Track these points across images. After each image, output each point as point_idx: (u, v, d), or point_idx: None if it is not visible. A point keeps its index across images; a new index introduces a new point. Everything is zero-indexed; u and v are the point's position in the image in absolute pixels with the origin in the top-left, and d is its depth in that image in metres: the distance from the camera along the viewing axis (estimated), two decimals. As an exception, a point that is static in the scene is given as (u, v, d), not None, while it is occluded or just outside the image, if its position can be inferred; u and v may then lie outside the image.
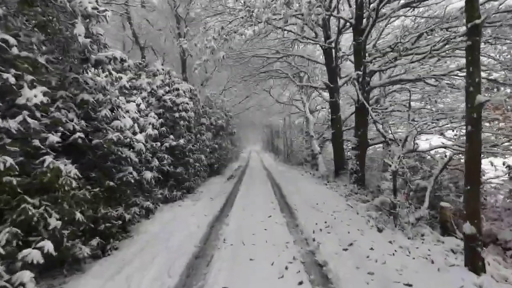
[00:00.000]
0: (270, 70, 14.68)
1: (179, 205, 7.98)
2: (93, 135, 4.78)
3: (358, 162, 9.14)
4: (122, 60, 9.73)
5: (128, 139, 5.67)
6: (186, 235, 5.55)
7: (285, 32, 13.10)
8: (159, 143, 8.11)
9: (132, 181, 5.54)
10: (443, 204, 6.47)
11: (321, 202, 8.47)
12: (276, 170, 19.59)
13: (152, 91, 8.70)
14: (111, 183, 4.97)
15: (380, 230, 6.07)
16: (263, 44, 13.99)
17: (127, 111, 5.73)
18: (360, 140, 9.15)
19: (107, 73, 5.32)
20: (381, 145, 18.23)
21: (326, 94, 13.87)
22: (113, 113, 5.48)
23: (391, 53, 7.08)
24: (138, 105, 6.82)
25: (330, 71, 12.28)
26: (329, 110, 16.01)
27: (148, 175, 6.30)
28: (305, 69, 14.94)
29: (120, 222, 5.00)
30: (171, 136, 8.41)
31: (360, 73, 8.76)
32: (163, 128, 8.46)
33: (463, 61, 9.80)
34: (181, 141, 8.40)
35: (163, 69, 9.96)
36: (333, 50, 11.96)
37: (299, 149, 27.15)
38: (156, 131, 7.22)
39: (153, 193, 7.42)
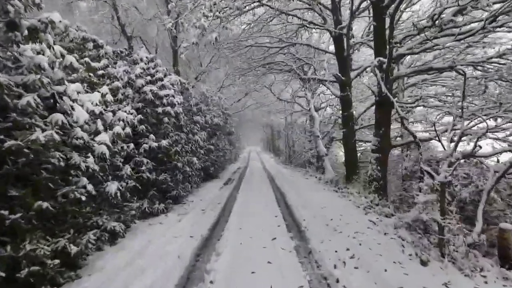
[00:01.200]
0: (272, 62, 13.11)
1: (160, 222, 6.40)
2: (9, 134, 3.20)
3: (379, 168, 7.56)
4: (98, 46, 8.17)
5: (81, 140, 4.10)
6: (159, 274, 3.97)
7: (289, 17, 11.52)
8: (134, 145, 6.53)
9: (84, 197, 3.96)
10: (503, 225, 4.90)
11: (336, 217, 6.90)
12: (278, 173, 18.02)
13: (130, 81, 7.12)
14: (46, 204, 3.40)
15: (424, 263, 4.50)
16: (263, 32, 12.41)
17: (77, 102, 4.15)
18: (382, 141, 7.57)
19: (44, 45, 3.74)
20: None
21: (335, 89, 12.31)
22: (58, 105, 3.92)
23: (431, 28, 5.53)
24: (103, 95, 5.24)
25: (341, 61, 10.71)
26: (337, 107, 14.44)
27: (112, 187, 4.72)
28: (311, 62, 13.37)
29: (57, 261, 3.42)
30: (152, 136, 6.83)
31: (383, 59, 7.18)
32: (142, 126, 6.88)
33: (504, 47, 8.24)
34: (165, 141, 6.83)
35: (147, 57, 8.39)
36: (345, 38, 10.39)
37: (303, 150, 25.58)
38: (129, 129, 5.64)
39: (126, 208, 5.85)
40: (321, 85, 18.35)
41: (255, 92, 25.21)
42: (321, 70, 14.02)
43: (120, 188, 5.04)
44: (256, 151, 55.21)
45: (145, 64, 8.06)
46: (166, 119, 7.46)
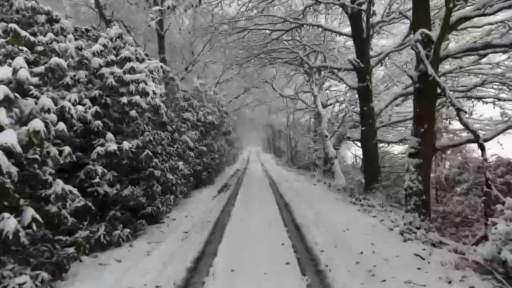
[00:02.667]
0: (274, 49, 11.19)
1: (118, 259, 4.46)
2: None
3: (420, 178, 5.63)
4: (52, 20, 6.29)
5: None
6: None
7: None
8: (85, 148, 4.61)
9: None
10: None
11: (366, 247, 4.98)
12: (281, 177, 16.09)
13: (83, 60, 5.19)
14: None
15: None
16: (264, 15, 10.49)
17: None
18: (424, 142, 5.64)
19: None
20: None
21: (350, 80, 10.38)
22: None
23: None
24: (15, 71, 3.33)
25: (359, 44, 8.80)
26: (349, 102, 12.53)
27: (10, 224, 2.78)
28: (320, 49, 11.46)
29: None
30: (110, 135, 4.89)
31: (429, 32, 5.27)
32: (97, 122, 4.95)
33: None
34: (127, 143, 4.91)
35: (115, 33, 6.46)
36: (364, 15, 8.49)
37: (307, 151, 23.66)
38: (63, 125, 3.72)
39: (71, 238, 3.95)
40: (328, 79, 16.44)
41: (255, 89, 23.34)
42: (331, 60, 12.09)
43: (28, 224, 3.10)
44: (256, 152, 53.32)
45: (110, 41, 6.13)
46: (133, 113, 5.52)
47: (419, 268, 4.25)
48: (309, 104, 20.17)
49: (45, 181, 3.65)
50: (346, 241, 5.39)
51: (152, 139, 6.51)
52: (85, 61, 5.22)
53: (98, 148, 4.68)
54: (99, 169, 4.72)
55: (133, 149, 5.20)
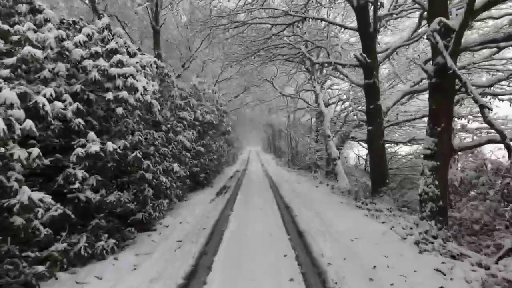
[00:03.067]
0: (275, 45, 10.65)
1: (99, 276, 3.93)
2: None
3: (437, 182, 5.11)
4: (35, 10, 5.84)
5: None
6: None
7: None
8: (66, 149, 4.08)
9: None
10: None
11: (379, 260, 4.46)
12: (281, 178, 15.57)
13: (63, 51, 4.66)
14: None
15: None
16: (265, 9, 9.96)
17: None
18: (441, 143, 5.12)
19: None
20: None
21: (354, 77, 9.85)
22: None
23: None
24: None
25: (366, 39, 8.28)
26: (354, 100, 12.01)
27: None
28: (323, 44, 10.93)
29: None
30: (92, 135, 4.35)
31: (448, 21, 4.76)
32: (78, 120, 4.41)
33: None
34: (112, 144, 4.37)
35: (103, 24, 5.94)
36: (371, 8, 7.98)
37: (307, 151, 23.14)
38: (31, 123, 3.19)
39: (45, 252, 3.42)
40: (330, 77, 15.92)
41: (255, 88, 22.81)
42: (334, 57, 11.55)
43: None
44: (256, 152, 52.80)
45: (97, 32, 5.60)
46: (120, 110, 4.98)
47: (441, 287, 3.73)
48: (310, 103, 19.66)
49: (10, 188, 3.12)
50: (356, 252, 4.87)
51: (143, 139, 5.98)
52: (66, 52, 4.68)
53: (78, 150, 4.15)
54: (79, 173, 4.19)
55: (118, 151, 4.67)
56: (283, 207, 8.65)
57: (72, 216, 4.22)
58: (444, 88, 5.10)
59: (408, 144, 9.08)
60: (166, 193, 7.55)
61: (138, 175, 5.89)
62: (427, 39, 5.04)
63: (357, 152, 15.65)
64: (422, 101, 14.62)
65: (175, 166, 7.90)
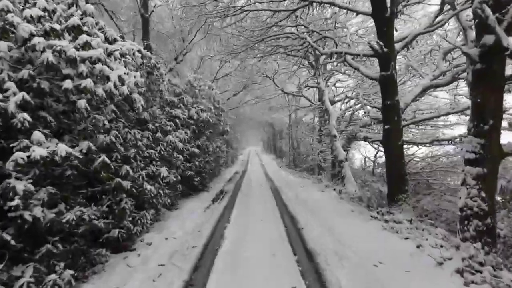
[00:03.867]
0: (277, 35, 9.57)
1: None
2: None
3: (484, 194, 4.06)
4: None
5: None
6: None
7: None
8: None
9: None
10: None
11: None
12: (282, 181, 14.53)
13: (5, 26, 3.60)
14: None
15: None
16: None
17: None
18: (489, 143, 4.07)
19: None
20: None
21: (367, 69, 8.79)
22: None
23: None
24: None
25: (381, 25, 7.23)
26: (364, 97, 10.96)
27: None
28: (330, 34, 9.86)
29: None
30: (38, 135, 3.29)
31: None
32: (23, 116, 3.35)
33: None
34: (83, 145, 3.30)
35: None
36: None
37: (310, 152, 22.11)
38: None
39: None
40: (336, 73, 14.87)
41: (255, 86, 21.78)
42: (343, 45, 10.48)
43: None
44: (256, 152, 51.76)
45: (61, 10, 4.54)
46: (82, 103, 3.90)
47: None
48: (313, 101, 18.63)
49: None
50: (383, 284, 3.81)
51: (120, 140, 4.92)
52: (12, 28, 3.62)
53: (18, 155, 3.10)
54: (20, 186, 3.13)
55: (77, 154, 3.60)
56: (287, 216, 7.60)
57: (12, 242, 3.17)
58: (492, 75, 4.04)
59: (430, 145, 7.99)
60: (152, 203, 6.51)
61: (114, 183, 4.84)
62: (473, 13, 3.98)
63: (364, 153, 14.64)
64: (434, 98, 13.58)
65: (163, 170, 6.86)
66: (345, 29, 10.83)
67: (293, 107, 22.83)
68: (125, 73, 5.65)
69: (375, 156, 13.46)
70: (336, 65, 15.29)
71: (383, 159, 14.10)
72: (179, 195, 8.96)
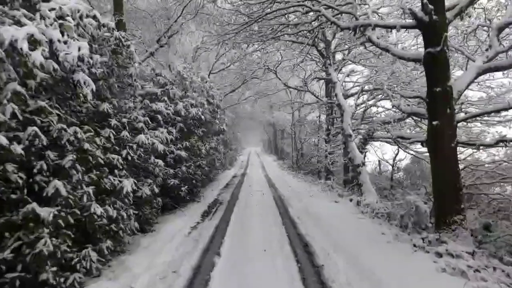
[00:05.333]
0: (283, 8, 7.61)
1: None
2: None
3: None
4: None
5: None
6: None
7: None
8: None
9: None
10: None
11: None
12: (288, 188, 12.60)
13: None
14: None
15: None
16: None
17: None
18: None
19: None
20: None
21: (397, 49, 6.85)
22: None
23: None
24: None
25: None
26: (385, 88, 9.00)
27: None
28: (349, 9, 7.91)
29: None
30: None
31: None
32: None
33: None
34: None
35: None
36: None
37: (316, 154, 20.18)
38: None
39: None
40: (348, 62, 12.91)
41: (255, 80, 19.84)
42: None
43: None
44: (257, 153, 49.83)
45: None
46: None
47: None
48: (320, 96, 16.68)
49: None
50: None
51: (40, 140, 3.00)
52: None
53: None
54: None
55: None
56: (298, 243, 5.66)
57: None
58: None
59: (498, 145, 6.01)
60: (108, 231, 4.57)
61: (21, 214, 2.91)
62: None
63: (381, 155, 12.69)
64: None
65: (127, 183, 4.93)
66: (365, 5, 8.90)
67: (297, 104, 20.89)
68: (60, 41, 3.78)
69: (394, 158, 11.52)
70: (348, 54, 13.38)
71: (405, 162, 12.18)
72: (159, 210, 7.02)
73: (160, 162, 6.91)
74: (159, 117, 8.12)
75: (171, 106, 8.77)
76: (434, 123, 5.30)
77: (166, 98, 8.77)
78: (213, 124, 13.50)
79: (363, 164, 10.14)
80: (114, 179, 4.88)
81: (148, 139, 6.49)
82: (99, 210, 4.09)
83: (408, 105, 7.25)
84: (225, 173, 19.21)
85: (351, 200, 9.40)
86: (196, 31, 18.96)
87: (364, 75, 15.19)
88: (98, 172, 4.55)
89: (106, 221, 4.39)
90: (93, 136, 4.45)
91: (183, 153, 8.45)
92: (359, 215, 7.76)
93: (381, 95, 13.13)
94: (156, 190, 6.35)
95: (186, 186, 8.63)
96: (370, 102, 14.09)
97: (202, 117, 10.31)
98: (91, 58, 4.69)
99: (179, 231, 6.34)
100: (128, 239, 5.08)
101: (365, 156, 11.02)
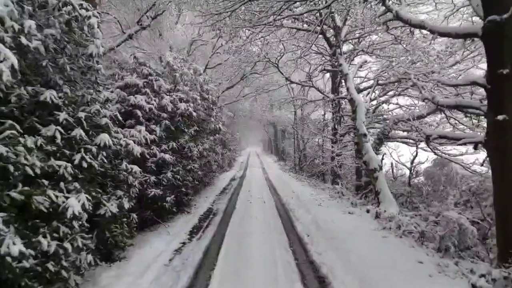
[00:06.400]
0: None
1: None
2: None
3: None
4: None
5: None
6: None
7: None
8: None
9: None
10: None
11: None
12: (292, 195, 11.18)
13: None
14: None
15: None
16: None
17: None
18: None
19: None
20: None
21: (434, 24, 5.44)
22: None
23: None
24: None
25: None
26: (412, 77, 7.57)
27: None
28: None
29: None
30: None
31: None
32: None
33: None
34: None
35: None
36: None
37: (318, 154, 18.79)
38: None
39: None
40: (359, 53, 11.50)
41: (254, 75, 18.45)
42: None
43: None
44: (256, 153, 48.43)
45: None
46: None
47: None
48: (325, 92, 15.24)
49: None
50: None
51: None
52: None
53: None
54: None
55: None
56: (312, 280, 4.23)
57: None
58: None
59: None
60: (36, 277, 3.14)
61: None
62: None
63: (396, 158, 11.24)
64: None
65: (74, 202, 3.51)
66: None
67: (300, 102, 19.47)
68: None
69: (412, 161, 10.11)
70: (359, 41, 11.96)
71: (425, 165, 10.74)
72: (134, 229, 5.59)
73: (136, 168, 5.48)
74: (139, 112, 6.72)
75: (154, 100, 7.36)
76: (500, 117, 3.87)
77: (149, 91, 7.36)
78: (208, 123, 12.09)
79: (380, 168, 8.73)
80: (57, 196, 3.47)
81: (120, 139, 5.10)
82: (15, 248, 2.67)
83: (447, 97, 5.82)
84: (223, 176, 17.80)
85: (368, 211, 7.99)
86: (191, 24, 17.61)
87: (372, 70, 13.80)
88: (27, 188, 3.13)
89: (34, 261, 2.98)
90: (16, 136, 3.02)
91: (168, 156, 7.01)
92: (382, 232, 6.35)
93: (393, 91, 11.76)
94: (127, 205, 4.91)
95: (173, 196, 7.20)
96: (382, 98, 12.71)
97: (194, 113, 8.89)
98: (21, 24, 3.30)
99: (157, 258, 4.92)
100: (75, 279, 3.65)
101: (382, 158, 9.60)
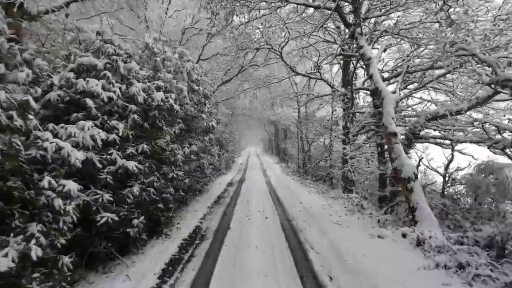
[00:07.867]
0: None
1: None
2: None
3: None
4: None
5: None
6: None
7: None
8: None
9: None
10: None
11: None
12: (299, 206, 9.21)
13: None
14: None
15: None
16: None
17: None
18: None
19: None
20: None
21: None
22: None
23: None
24: None
25: None
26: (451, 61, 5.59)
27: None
28: None
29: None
30: None
31: None
32: None
33: None
34: None
35: None
36: None
37: (324, 156, 16.86)
38: None
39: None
40: (383, 33, 9.51)
41: (254, 69, 16.47)
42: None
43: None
44: (257, 153, 46.48)
45: None
46: None
47: None
48: (335, 86, 13.27)
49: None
50: None
51: None
52: None
53: None
54: None
55: None
56: None
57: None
58: None
59: None
60: None
61: None
62: None
63: (427, 159, 9.16)
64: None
65: None
66: None
67: (305, 97, 17.52)
68: None
69: (446, 167, 8.16)
70: (382, 20, 9.99)
71: (464, 172, 8.77)
72: (68, 278, 3.63)
73: (71, 185, 3.54)
74: (90, 103, 4.75)
75: (117, 88, 5.40)
76: None
77: (109, 75, 5.39)
78: (199, 120, 10.15)
79: (416, 177, 6.76)
80: None
81: (45, 141, 3.18)
82: None
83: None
84: (219, 180, 15.86)
85: (404, 235, 6.02)
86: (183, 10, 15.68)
87: (393, 58, 11.85)
88: None
89: None
90: None
91: (133, 164, 5.03)
92: (437, 274, 4.40)
93: (417, 83, 9.84)
94: (39, 252, 2.95)
95: (142, 217, 5.24)
96: (405, 91, 10.76)
97: (177, 107, 6.94)
98: None
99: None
100: None
101: (418, 165, 7.66)
